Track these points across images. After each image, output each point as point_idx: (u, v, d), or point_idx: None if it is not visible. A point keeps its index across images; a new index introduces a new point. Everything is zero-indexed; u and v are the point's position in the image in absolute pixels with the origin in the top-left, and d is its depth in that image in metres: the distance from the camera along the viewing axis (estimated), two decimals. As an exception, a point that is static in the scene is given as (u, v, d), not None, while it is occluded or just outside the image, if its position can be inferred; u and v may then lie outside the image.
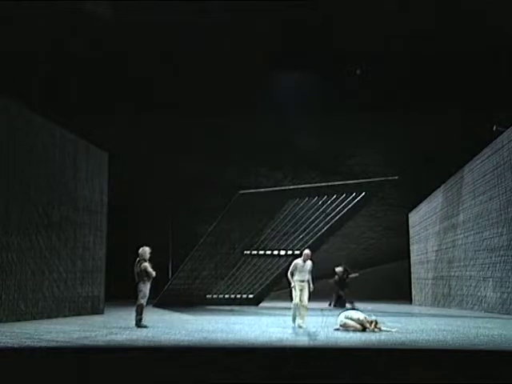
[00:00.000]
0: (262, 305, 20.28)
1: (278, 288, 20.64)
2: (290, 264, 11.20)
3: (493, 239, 15.73)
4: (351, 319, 9.93)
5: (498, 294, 15.31)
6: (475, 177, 17.34)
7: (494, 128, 16.36)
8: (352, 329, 9.74)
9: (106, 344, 7.88)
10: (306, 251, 11.18)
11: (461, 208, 18.63)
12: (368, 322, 9.81)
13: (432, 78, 21.06)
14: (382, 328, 9.87)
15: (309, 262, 10.96)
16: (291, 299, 10.97)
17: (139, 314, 10.53)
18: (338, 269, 19.11)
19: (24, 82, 15.93)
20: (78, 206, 14.17)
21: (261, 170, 28.15)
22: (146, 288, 10.56)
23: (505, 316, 14.06)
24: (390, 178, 19.13)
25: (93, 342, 8.12)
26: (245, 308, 18.66)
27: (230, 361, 6.71)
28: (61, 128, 13.71)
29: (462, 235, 18.43)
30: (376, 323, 9.86)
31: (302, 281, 10.77)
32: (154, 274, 10.58)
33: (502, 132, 15.56)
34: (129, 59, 18.56)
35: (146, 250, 10.70)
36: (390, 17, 17.10)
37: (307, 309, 10.85)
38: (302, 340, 8.60)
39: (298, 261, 11.02)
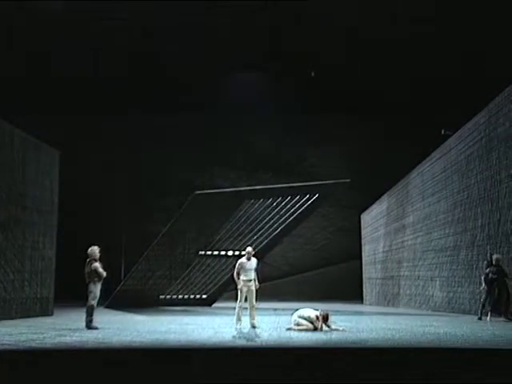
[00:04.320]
0: (215, 305, 20.26)
1: (231, 288, 20.66)
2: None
3: (440, 240, 16.24)
4: (303, 318, 9.96)
5: (445, 293, 15.82)
6: (424, 179, 17.86)
7: (443, 132, 16.92)
8: (304, 327, 9.78)
9: (54, 346, 7.71)
10: (248, 249, 10.94)
11: (410, 209, 19.13)
12: (317, 319, 9.84)
13: (383, 82, 21.58)
14: (332, 326, 9.96)
15: (254, 260, 10.74)
16: (236, 299, 10.82)
17: (90, 315, 10.34)
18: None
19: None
20: (27, 205, 13.76)
21: (216, 171, 28.14)
22: (96, 289, 10.37)
23: (450, 314, 14.55)
24: (343, 180, 19.48)
25: (41, 344, 7.93)
26: (198, 308, 18.60)
27: (182, 362, 6.70)
28: (10, 125, 13.29)
29: (411, 236, 18.94)
30: (326, 318, 9.91)
31: (249, 280, 10.57)
32: (104, 274, 10.39)
33: (449, 135, 16.09)
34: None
35: (94, 250, 10.50)
36: (342, 17, 17.38)
37: (256, 308, 10.78)
38: (255, 340, 8.65)
39: (243, 260, 10.74)
